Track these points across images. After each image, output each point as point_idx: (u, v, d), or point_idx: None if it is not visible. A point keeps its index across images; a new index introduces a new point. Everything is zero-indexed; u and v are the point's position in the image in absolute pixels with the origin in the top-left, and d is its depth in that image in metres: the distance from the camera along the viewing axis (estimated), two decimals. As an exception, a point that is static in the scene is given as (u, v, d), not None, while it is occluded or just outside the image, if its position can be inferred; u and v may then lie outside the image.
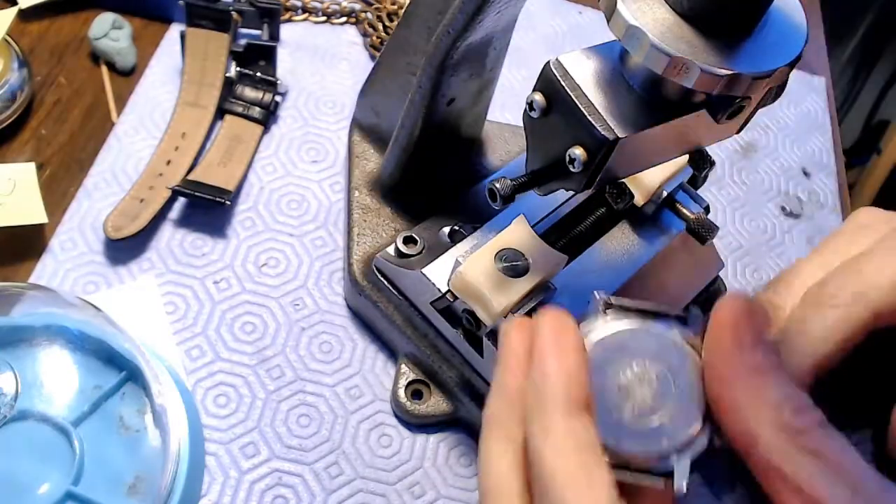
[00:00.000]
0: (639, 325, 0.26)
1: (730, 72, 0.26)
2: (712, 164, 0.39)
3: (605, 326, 0.26)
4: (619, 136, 0.28)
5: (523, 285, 0.38)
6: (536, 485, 0.24)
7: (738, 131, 0.33)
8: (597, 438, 0.24)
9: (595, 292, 0.27)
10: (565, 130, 0.30)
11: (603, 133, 0.28)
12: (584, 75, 0.30)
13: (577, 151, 0.29)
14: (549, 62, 0.30)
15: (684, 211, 0.45)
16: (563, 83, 0.29)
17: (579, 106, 0.29)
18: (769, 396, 0.23)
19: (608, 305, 0.27)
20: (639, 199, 0.44)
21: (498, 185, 0.32)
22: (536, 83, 0.30)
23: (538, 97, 0.30)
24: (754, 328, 0.24)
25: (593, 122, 0.29)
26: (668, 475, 0.24)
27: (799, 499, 0.22)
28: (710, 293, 0.48)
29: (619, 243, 0.45)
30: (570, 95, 0.29)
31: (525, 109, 0.31)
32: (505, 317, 0.38)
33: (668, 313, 0.26)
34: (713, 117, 0.31)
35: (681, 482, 0.24)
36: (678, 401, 0.25)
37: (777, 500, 0.22)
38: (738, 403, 0.23)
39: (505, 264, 0.38)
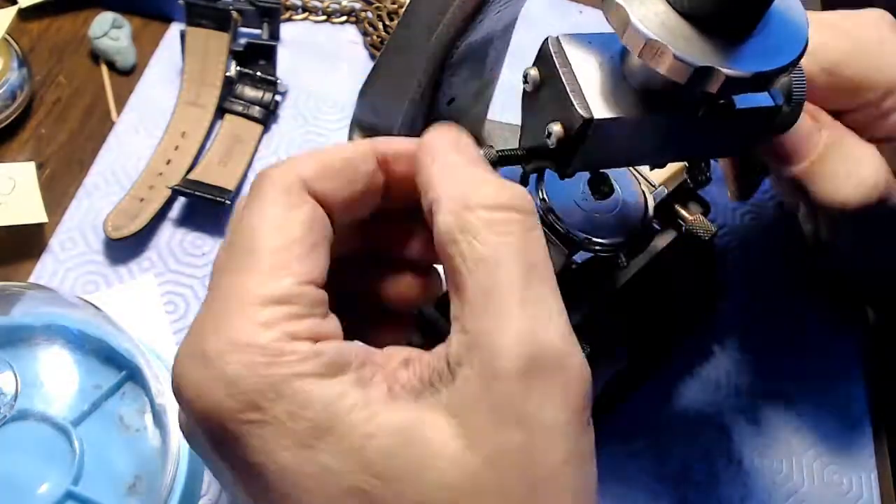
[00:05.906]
0: None
1: (729, 72, 0.26)
2: (709, 179, 0.38)
3: None
4: (595, 116, 0.28)
5: None
6: None
7: (738, 131, 0.33)
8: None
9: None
10: (550, 106, 0.30)
11: (579, 111, 0.28)
12: (579, 57, 0.30)
13: (556, 127, 0.29)
14: (548, 37, 0.30)
15: (683, 212, 0.45)
16: (555, 59, 0.29)
17: (564, 82, 0.29)
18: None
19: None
20: None
21: (482, 152, 0.31)
22: (535, 58, 0.31)
23: (533, 71, 0.31)
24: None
25: (572, 99, 0.29)
26: None
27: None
28: (709, 292, 0.48)
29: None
30: (558, 71, 0.29)
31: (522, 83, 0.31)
32: None
33: None
34: (710, 118, 0.31)
35: None
36: None
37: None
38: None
39: None
